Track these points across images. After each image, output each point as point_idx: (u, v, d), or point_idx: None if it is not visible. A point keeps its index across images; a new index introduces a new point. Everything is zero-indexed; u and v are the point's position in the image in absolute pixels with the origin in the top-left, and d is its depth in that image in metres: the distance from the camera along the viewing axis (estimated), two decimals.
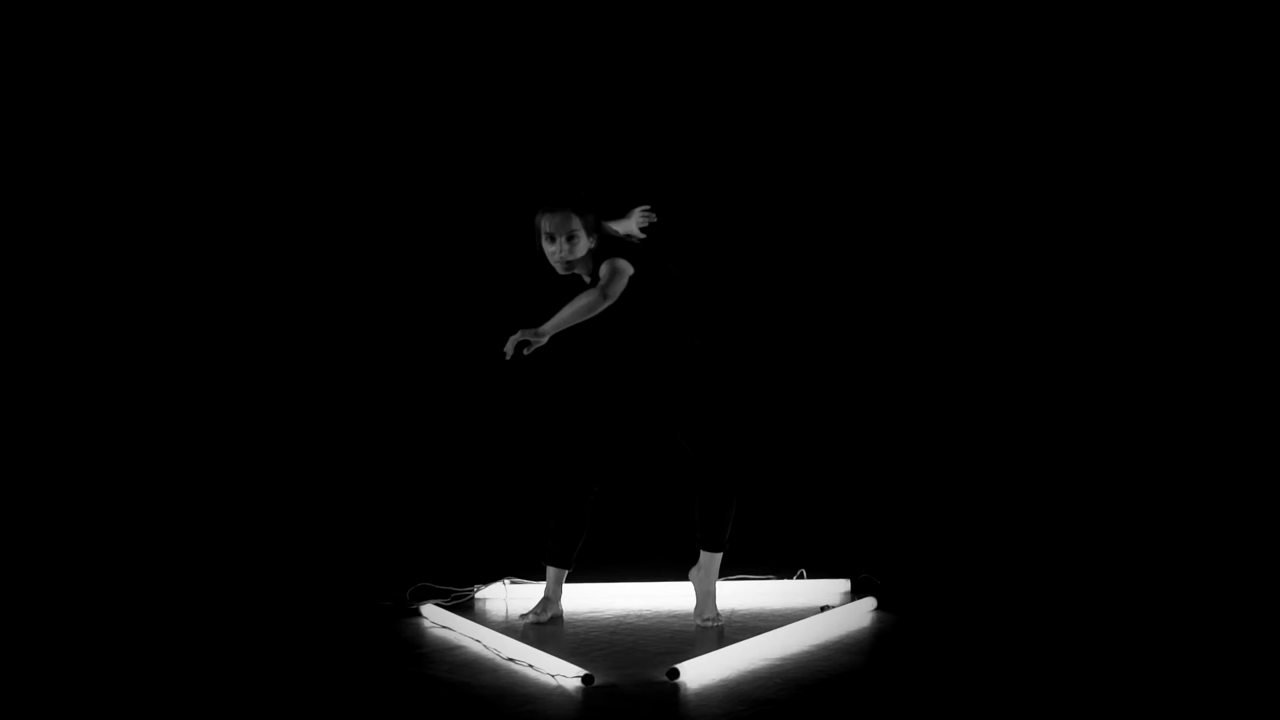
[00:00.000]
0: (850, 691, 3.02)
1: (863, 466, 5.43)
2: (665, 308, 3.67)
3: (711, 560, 3.79)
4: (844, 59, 5.37)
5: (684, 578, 3.89)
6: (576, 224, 3.56)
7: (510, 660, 3.28)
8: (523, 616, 3.79)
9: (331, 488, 5.36)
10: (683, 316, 3.70)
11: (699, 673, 3.15)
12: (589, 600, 4.05)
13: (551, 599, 3.83)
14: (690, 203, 5.18)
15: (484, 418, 5.43)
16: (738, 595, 4.08)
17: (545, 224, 3.57)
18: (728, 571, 4.15)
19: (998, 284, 5.39)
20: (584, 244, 3.58)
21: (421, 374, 5.45)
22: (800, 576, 4.14)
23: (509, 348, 3.39)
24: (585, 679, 3.05)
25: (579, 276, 3.66)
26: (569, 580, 3.91)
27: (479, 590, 4.08)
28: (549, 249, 3.58)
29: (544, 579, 3.87)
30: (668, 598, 4.04)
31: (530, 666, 3.21)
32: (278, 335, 5.39)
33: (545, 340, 3.41)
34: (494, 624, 3.67)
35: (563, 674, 3.10)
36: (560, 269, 3.61)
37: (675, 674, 3.09)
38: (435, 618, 3.78)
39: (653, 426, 3.80)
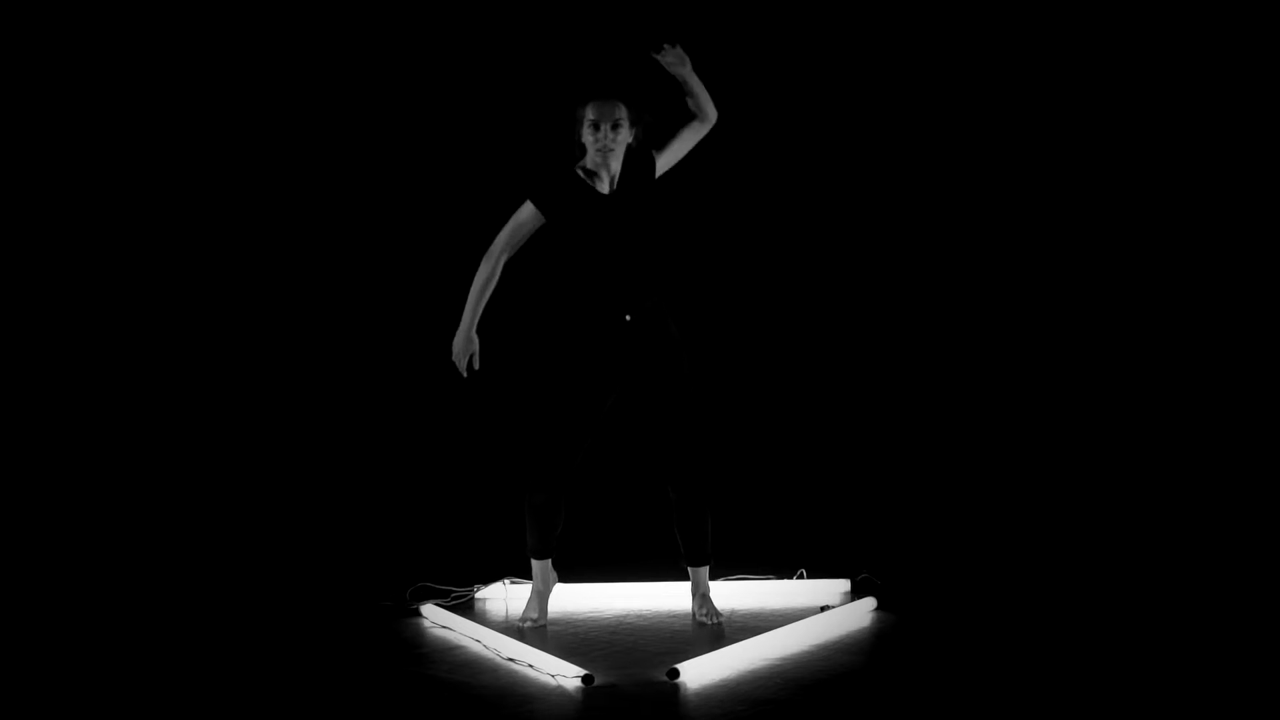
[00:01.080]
0: (850, 691, 3.02)
1: (863, 466, 5.43)
2: (635, 263, 3.66)
3: (700, 571, 3.81)
4: (839, 41, 5.37)
5: (684, 577, 3.89)
6: (622, 113, 3.58)
7: (510, 660, 3.28)
8: (521, 622, 3.78)
9: (331, 488, 5.36)
10: (647, 276, 3.68)
11: (699, 673, 3.15)
12: (589, 600, 4.05)
13: (543, 593, 3.81)
14: (690, 206, 5.18)
15: (483, 417, 5.42)
16: (738, 595, 4.08)
17: (590, 111, 3.57)
18: (729, 571, 4.15)
19: (997, 283, 5.39)
20: (625, 135, 3.60)
21: (421, 374, 5.44)
22: (800, 576, 4.14)
23: (673, 55, 3.56)
24: (585, 679, 3.05)
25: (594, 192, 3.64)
26: (562, 578, 3.92)
27: (479, 590, 4.07)
28: (592, 137, 3.58)
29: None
30: (668, 598, 4.03)
31: (530, 666, 3.21)
32: (277, 337, 5.39)
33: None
34: (494, 624, 3.67)
35: (563, 674, 3.10)
36: (597, 159, 3.60)
37: (675, 674, 3.09)
38: (435, 618, 3.78)
39: (624, 401, 3.73)
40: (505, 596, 4.07)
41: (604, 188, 3.64)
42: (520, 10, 5.30)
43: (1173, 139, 5.20)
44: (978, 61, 5.32)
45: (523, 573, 4.03)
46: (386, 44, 5.33)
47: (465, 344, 3.63)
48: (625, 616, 3.86)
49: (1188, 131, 5.19)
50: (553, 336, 3.73)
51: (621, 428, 4.12)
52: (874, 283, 5.46)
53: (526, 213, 3.65)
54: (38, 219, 5.20)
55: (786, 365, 5.49)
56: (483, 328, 3.65)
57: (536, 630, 3.69)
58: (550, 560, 3.81)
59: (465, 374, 3.66)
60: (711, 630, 3.66)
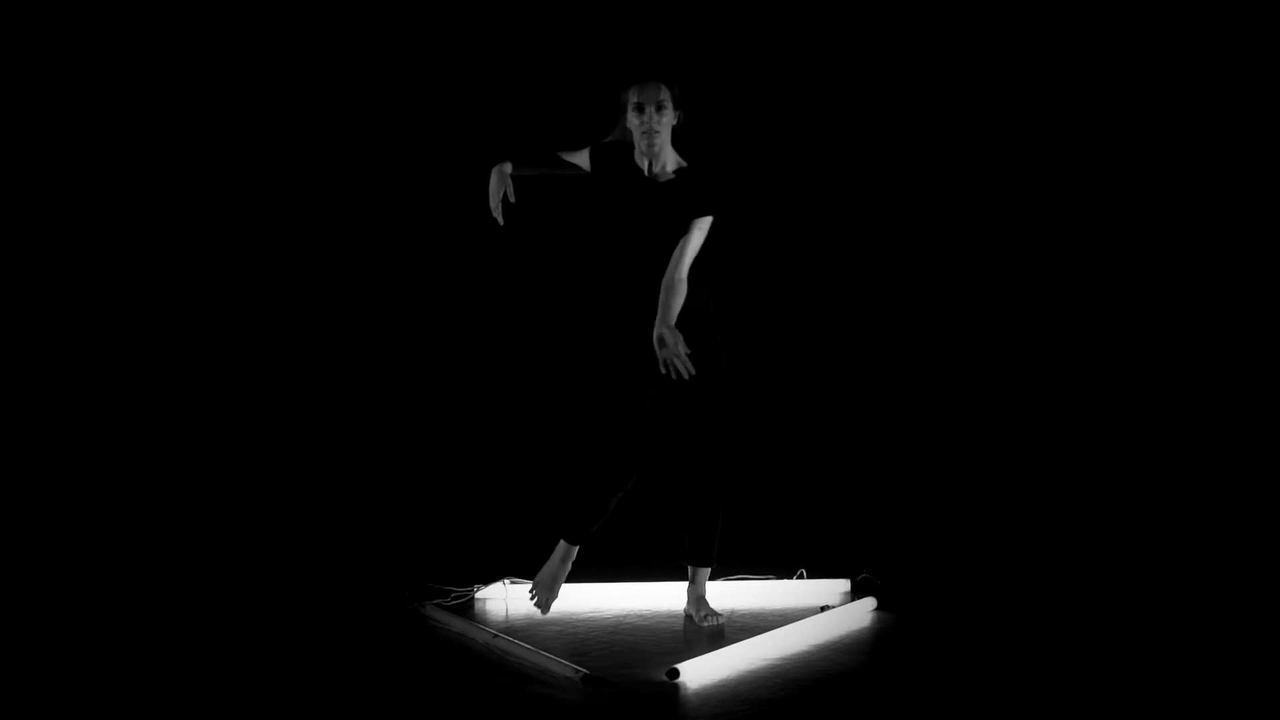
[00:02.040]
0: (850, 691, 3.02)
1: (863, 466, 5.43)
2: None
3: (698, 572, 3.80)
4: (846, 44, 5.37)
5: (684, 578, 3.89)
6: (666, 95, 3.60)
7: (510, 660, 3.28)
8: (531, 596, 3.72)
9: (332, 488, 5.36)
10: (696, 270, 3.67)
11: (699, 673, 3.16)
12: (589, 600, 4.05)
13: (560, 574, 3.73)
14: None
15: (484, 417, 5.43)
16: (738, 595, 4.08)
17: (634, 95, 3.60)
18: (729, 571, 4.15)
19: (997, 283, 5.39)
20: (670, 116, 3.61)
21: (421, 373, 5.45)
22: (800, 576, 4.14)
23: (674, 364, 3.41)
24: (585, 679, 3.05)
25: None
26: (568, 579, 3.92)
27: (479, 590, 4.07)
28: (636, 120, 3.60)
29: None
30: (668, 598, 4.03)
31: (530, 666, 3.21)
32: (278, 335, 5.39)
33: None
34: (494, 624, 3.67)
35: (563, 674, 3.10)
36: (644, 144, 3.60)
37: (675, 674, 3.10)
38: (435, 618, 3.78)
39: (662, 394, 3.70)
40: (505, 596, 4.07)
41: (647, 171, 3.66)
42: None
43: (1173, 139, 5.20)
44: (980, 62, 5.32)
45: (521, 573, 4.03)
46: (415, 34, 5.31)
47: (500, 178, 3.70)
48: (625, 616, 3.86)
49: (1188, 132, 5.19)
50: (599, 327, 3.72)
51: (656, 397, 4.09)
52: (874, 283, 5.46)
53: (579, 155, 3.74)
54: (37, 219, 5.20)
55: (787, 365, 5.49)
56: (518, 330, 3.56)
57: (536, 630, 3.68)
58: (576, 550, 3.76)
59: (501, 218, 3.69)
60: (711, 630, 3.65)
